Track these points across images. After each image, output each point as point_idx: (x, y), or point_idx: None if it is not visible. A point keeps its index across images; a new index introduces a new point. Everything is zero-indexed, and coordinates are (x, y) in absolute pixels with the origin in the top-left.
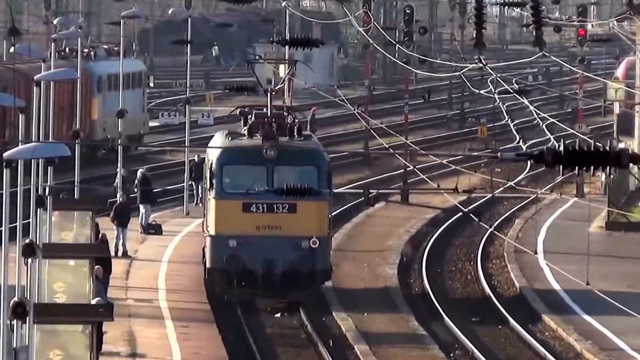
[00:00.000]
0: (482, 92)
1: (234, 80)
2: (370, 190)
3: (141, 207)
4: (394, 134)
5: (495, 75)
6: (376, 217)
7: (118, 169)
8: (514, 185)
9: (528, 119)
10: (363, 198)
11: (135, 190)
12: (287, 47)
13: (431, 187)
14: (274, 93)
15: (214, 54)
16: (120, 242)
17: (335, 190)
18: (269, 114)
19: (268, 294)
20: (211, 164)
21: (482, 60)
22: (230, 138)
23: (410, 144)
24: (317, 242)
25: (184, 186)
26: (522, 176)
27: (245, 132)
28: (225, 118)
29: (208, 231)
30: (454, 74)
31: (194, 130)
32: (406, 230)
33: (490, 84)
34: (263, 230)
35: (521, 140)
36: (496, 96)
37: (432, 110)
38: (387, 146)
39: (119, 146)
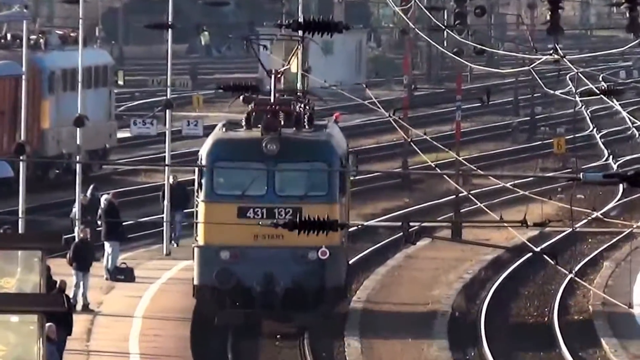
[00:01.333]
0: (558, 92)
1: (230, 76)
2: (411, 223)
3: (107, 245)
4: (441, 147)
5: (576, 70)
6: (419, 259)
7: (77, 195)
8: (601, 216)
9: (620, 129)
10: (401, 233)
11: (100, 222)
12: (300, 32)
13: (491, 219)
14: (279, 75)
15: (203, 42)
16: (80, 291)
17: (366, 223)
18: (272, 100)
19: (267, 316)
20: (200, 160)
21: (559, 51)
22: (225, 129)
23: (464, 162)
24: (328, 253)
25: (163, 218)
26: (612, 205)
27: (244, 122)
28: (229, 106)
29: (197, 241)
30: (521, 69)
31: (177, 144)
32: (458, 277)
33: (569, 82)
34: (262, 240)
35: (610, 157)
36: (577, 98)
37: (493, 116)
38: (432, 164)
39: (78, 164)
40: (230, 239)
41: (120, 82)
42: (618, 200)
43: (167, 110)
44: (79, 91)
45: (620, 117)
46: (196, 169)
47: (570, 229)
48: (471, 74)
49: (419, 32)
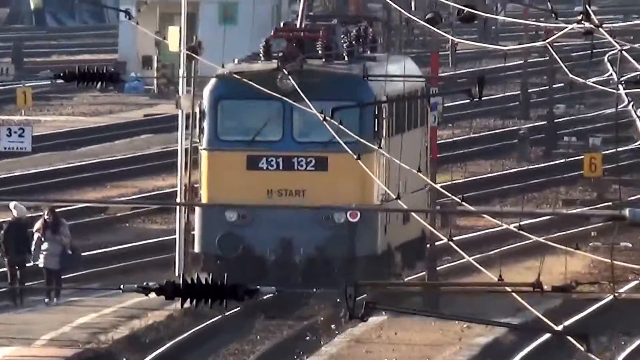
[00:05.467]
0: (591, 81)
1: (76, 59)
2: (359, 286)
3: None
4: (406, 167)
5: (619, 47)
6: (372, 344)
7: None
8: None
9: None
10: (345, 304)
11: None
12: None
13: (486, 281)
14: None
15: (32, 6)
16: None
17: (281, 289)
18: (298, 24)
19: (284, 291)
20: (202, 100)
21: (593, 17)
22: (236, 61)
23: (442, 191)
24: (359, 215)
25: None
26: None
27: (262, 52)
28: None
29: (199, 199)
30: (533, 45)
31: None
32: None
33: (608, 66)
34: (277, 197)
35: None
36: (621, 90)
37: (488, 119)
38: (392, 195)
39: None
40: (239, 196)
41: None
42: None
43: None
44: None
45: None
46: (198, 110)
47: (611, 296)
48: (454, 53)
49: None
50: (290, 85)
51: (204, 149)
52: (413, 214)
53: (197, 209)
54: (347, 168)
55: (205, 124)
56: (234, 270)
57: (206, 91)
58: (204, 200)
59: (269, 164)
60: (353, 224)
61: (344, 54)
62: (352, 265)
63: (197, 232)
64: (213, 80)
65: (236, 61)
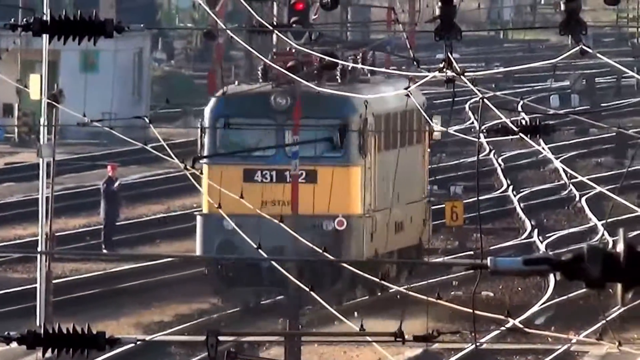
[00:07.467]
0: (452, 130)
1: None
2: (222, 338)
3: None
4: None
5: (481, 95)
6: None
7: None
8: (520, 325)
9: (550, 187)
10: (207, 353)
11: None
12: (45, 37)
13: (347, 330)
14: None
15: None
16: None
17: (150, 337)
18: (293, 50)
19: (277, 294)
20: (203, 119)
21: (455, 64)
22: (237, 83)
23: (304, 241)
24: (345, 223)
25: None
26: (538, 307)
27: (259, 75)
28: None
29: (200, 209)
30: (393, 93)
31: None
32: None
33: (470, 114)
34: (271, 207)
35: (535, 232)
36: (483, 139)
37: None
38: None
39: None
40: (236, 206)
41: None
42: (547, 301)
43: None
44: None
45: (551, 168)
46: (199, 128)
47: (472, 345)
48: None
49: (233, 36)
50: (283, 104)
51: (205, 163)
52: (405, 222)
53: (199, 218)
54: (336, 180)
55: (206, 140)
56: (230, 277)
57: (207, 110)
58: (205, 210)
59: (264, 177)
60: (340, 232)
61: (337, 77)
62: (340, 269)
63: (198, 239)
64: (213, 100)
65: (236, 83)
